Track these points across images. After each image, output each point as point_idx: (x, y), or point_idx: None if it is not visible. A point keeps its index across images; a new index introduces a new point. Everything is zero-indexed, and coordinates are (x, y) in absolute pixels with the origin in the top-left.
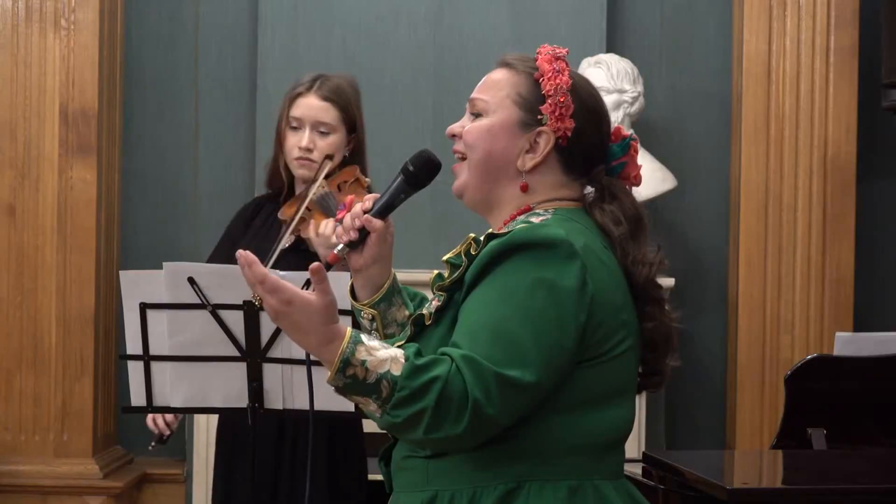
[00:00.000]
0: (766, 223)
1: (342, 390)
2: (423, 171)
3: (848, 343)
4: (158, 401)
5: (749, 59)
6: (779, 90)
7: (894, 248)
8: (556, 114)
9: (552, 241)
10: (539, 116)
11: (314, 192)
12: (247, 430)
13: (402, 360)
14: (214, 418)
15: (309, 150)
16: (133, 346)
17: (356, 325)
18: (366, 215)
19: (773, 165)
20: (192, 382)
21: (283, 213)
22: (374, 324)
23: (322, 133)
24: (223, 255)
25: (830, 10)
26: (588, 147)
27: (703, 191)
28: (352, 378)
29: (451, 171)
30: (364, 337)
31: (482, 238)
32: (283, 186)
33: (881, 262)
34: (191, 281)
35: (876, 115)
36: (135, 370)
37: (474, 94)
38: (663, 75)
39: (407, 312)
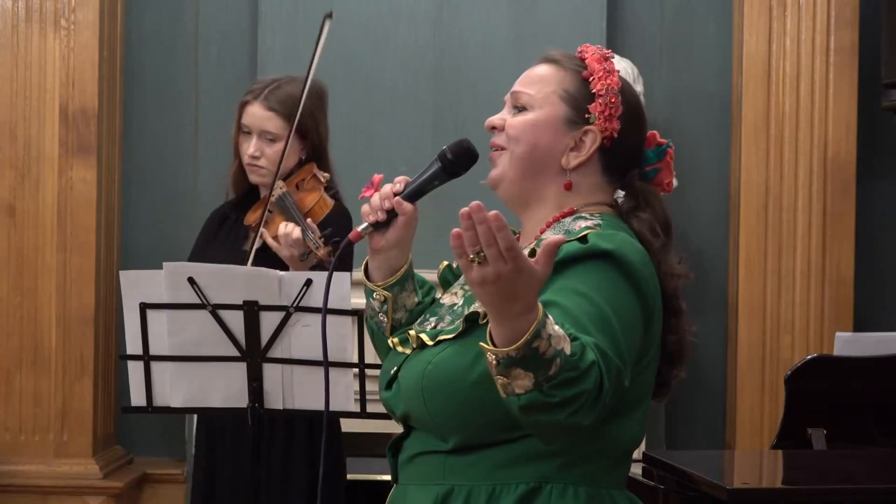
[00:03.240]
0: (766, 223)
1: (512, 360)
2: (461, 160)
3: (848, 343)
4: (158, 401)
5: (749, 59)
6: (779, 90)
7: (894, 248)
8: (606, 114)
9: (633, 253)
10: (586, 115)
11: (274, 194)
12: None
13: (569, 339)
14: None
15: (256, 157)
16: (133, 346)
17: (360, 319)
18: (396, 197)
19: (773, 165)
20: (192, 382)
21: (248, 220)
22: (385, 306)
23: (269, 140)
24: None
25: (830, 10)
26: (628, 149)
27: (703, 191)
28: (534, 350)
29: (489, 160)
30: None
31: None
32: (245, 191)
33: (881, 262)
34: (191, 281)
35: (876, 115)
36: (135, 370)
37: (518, 88)
38: (663, 75)
39: (416, 299)
